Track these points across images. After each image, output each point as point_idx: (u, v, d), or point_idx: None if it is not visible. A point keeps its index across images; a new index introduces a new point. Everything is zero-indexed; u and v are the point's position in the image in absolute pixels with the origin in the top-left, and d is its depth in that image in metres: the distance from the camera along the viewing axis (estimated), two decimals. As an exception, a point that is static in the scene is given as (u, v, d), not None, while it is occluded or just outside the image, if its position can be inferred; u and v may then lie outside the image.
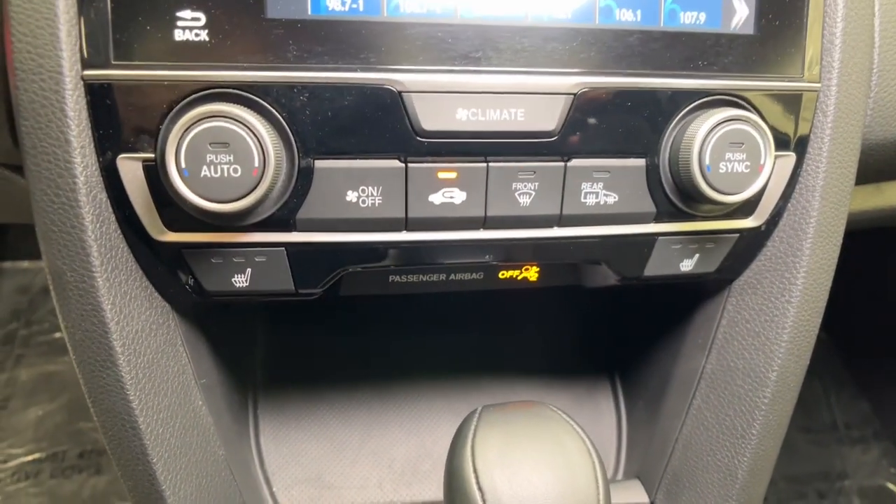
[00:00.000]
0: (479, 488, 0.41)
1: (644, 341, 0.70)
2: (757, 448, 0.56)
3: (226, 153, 0.40)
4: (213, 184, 0.41)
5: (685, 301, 0.62)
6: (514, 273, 0.57)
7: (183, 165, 0.40)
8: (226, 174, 0.41)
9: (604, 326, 0.79)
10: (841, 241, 0.56)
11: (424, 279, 0.57)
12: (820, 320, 0.58)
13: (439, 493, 0.54)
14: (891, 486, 1.64)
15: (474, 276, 0.56)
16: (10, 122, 0.44)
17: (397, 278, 0.55)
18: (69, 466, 1.61)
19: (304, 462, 0.70)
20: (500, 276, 0.57)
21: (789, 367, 0.56)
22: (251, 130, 0.40)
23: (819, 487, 1.63)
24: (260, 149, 0.41)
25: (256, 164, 0.41)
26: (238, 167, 0.41)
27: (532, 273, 0.57)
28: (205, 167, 0.40)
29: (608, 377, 0.77)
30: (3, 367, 1.89)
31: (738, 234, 0.53)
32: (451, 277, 0.56)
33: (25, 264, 1.94)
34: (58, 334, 1.95)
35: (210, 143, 0.40)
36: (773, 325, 0.56)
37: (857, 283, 1.56)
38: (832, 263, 0.56)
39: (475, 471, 0.41)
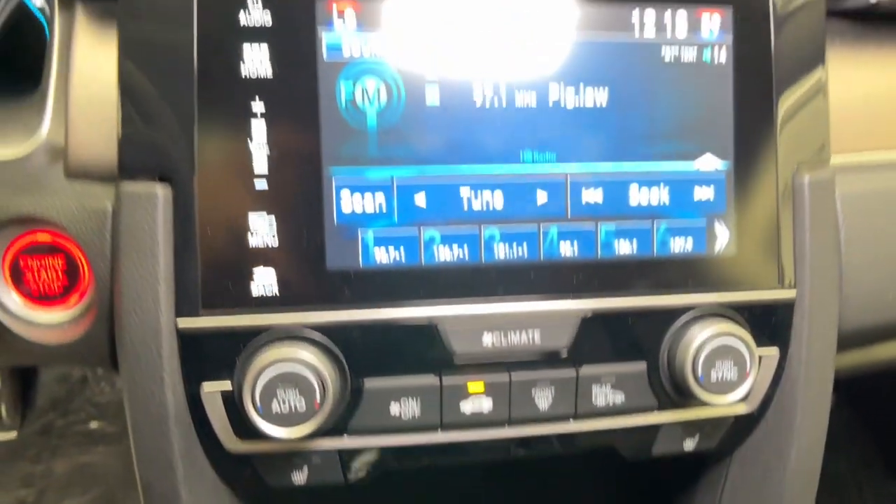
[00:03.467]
0: None
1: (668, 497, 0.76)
2: None
3: (293, 390, 0.49)
4: (282, 416, 0.49)
5: (690, 467, 0.69)
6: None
7: (258, 402, 0.49)
8: (292, 407, 0.49)
9: (612, 490, 0.85)
10: (829, 410, 0.63)
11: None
12: (816, 482, 0.64)
13: None
14: None
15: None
16: (113, 356, 0.53)
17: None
18: (100, 563, 1.64)
19: None
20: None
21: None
22: (315, 371, 0.49)
23: None
24: (321, 384, 0.49)
25: (318, 398, 0.49)
26: (303, 401, 0.49)
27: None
28: (275, 402, 0.49)
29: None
30: (39, 458, 1.94)
31: (733, 419, 0.60)
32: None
33: (67, 357, 2.03)
34: (93, 424, 2.01)
35: (280, 383, 0.49)
36: (773, 489, 0.63)
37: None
38: (822, 434, 0.63)
39: None
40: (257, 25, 0.50)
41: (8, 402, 2.04)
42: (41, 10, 0.86)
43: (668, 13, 0.54)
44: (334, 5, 0.50)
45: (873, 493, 1.73)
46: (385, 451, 0.56)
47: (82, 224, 0.52)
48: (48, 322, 0.55)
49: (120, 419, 2.06)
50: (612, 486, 0.85)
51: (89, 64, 0.54)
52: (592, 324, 0.55)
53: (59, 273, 0.55)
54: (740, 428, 0.62)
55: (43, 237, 0.54)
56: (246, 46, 0.50)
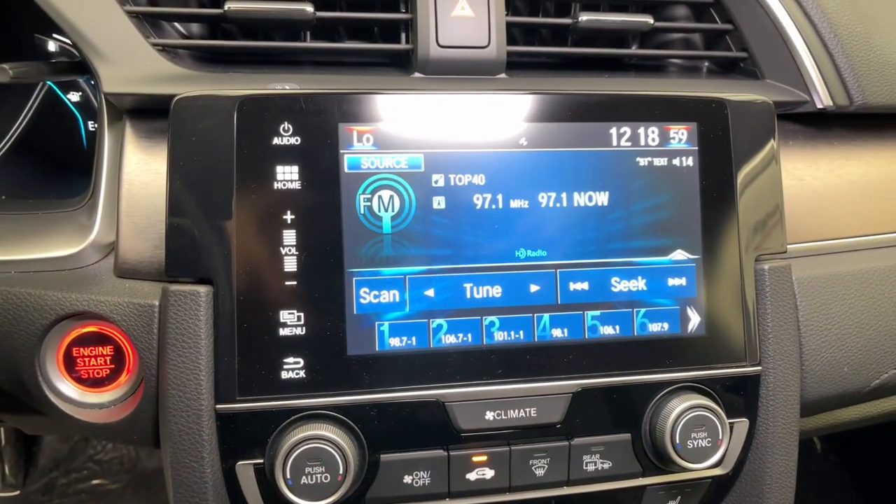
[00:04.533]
0: None
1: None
2: None
3: (319, 466, 0.55)
4: (309, 488, 0.55)
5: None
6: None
7: (288, 477, 0.55)
8: (318, 480, 0.55)
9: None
10: (795, 470, 0.69)
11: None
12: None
13: None
14: None
15: None
16: (155, 435, 0.60)
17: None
18: None
19: None
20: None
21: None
22: (338, 448, 0.55)
23: None
24: (344, 460, 0.56)
25: (341, 472, 0.55)
26: (328, 475, 0.55)
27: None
28: (304, 477, 0.55)
29: None
30: (40, 518, 1.93)
31: (710, 480, 0.67)
32: None
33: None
34: (95, 481, 2.02)
35: (307, 460, 0.55)
36: (750, 547, 0.69)
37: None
38: (791, 493, 0.69)
39: None
40: (288, 146, 0.58)
41: (10, 461, 2.05)
42: (76, 104, 0.95)
43: (641, 129, 0.63)
44: (354, 130, 0.59)
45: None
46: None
47: (131, 319, 0.59)
48: (97, 403, 0.61)
49: (122, 476, 2.07)
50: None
51: (139, 176, 0.62)
52: (582, 400, 0.62)
53: (107, 360, 0.62)
54: (718, 489, 0.68)
55: (94, 329, 0.61)
56: (278, 165, 0.58)
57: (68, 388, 0.61)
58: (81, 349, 0.61)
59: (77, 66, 0.75)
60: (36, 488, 2.06)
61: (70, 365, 0.61)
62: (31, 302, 0.60)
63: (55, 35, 0.86)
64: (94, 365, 0.61)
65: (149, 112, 0.63)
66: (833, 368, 0.70)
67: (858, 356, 0.70)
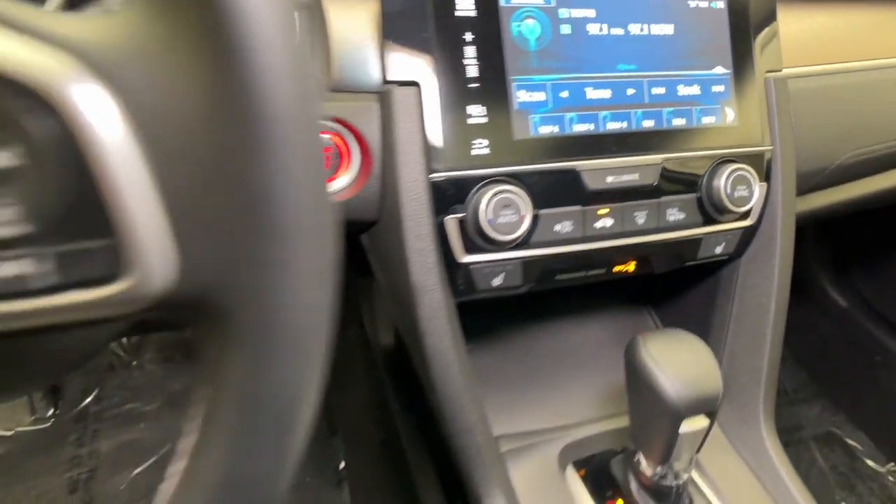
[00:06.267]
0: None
1: (684, 300, 1.13)
2: (771, 352, 0.98)
3: (509, 209, 0.79)
4: (504, 226, 0.79)
5: (715, 271, 1.06)
6: (622, 268, 0.97)
7: (490, 217, 0.78)
8: (508, 220, 0.79)
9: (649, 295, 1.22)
10: (794, 228, 1.01)
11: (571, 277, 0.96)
12: (791, 273, 1.02)
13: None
14: (835, 430, 2.10)
15: (600, 272, 0.96)
16: (379, 207, 0.81)
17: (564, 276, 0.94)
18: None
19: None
20: (614, 271, 0.96)
21: (780, 303, 0.99)
22: (519, 197, 0.79)
23: (783, 439, 2.08)
24: (524, 206, 0.80)
25: (522, 214, 0.79)
26: (515, 216, 0.79)
27: (631, 266, 0.97)
28: (500, 217, 0.79)
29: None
30: (82, 441, 2.00)
31: (743, 229, 0.97)
32: (587, 274, 0.96)
33: (96, 346, 2.10)
34: (129, 405, 2.10)
35: (501, 207, 0.79)
36: (768, 279, 1.00)
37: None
38: (792, 242, 1.01)
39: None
40: (461, -12, 0.80)
41: (38, 393, 2.09)
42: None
43: (691, -22, 0.91)
44: (509, -26, 0.82)
45: (788, 378, 2.20)
46: (547, 260, 0.86)
47: (357, 114, 0.79)
48: (337, 188, 0.81)
49: (155, 399, 2.16)
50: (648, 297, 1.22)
51: (343, 21, 0.81)
52: (666, 170, 0.89)
53: (329, 155, 0.81)
54: (747, 236, 0.98)
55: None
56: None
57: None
58: (311, 149, 0.80)
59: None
60: (69, 417, 2.10)
61: (302, 162, 0.80)
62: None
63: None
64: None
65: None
66: (812, 150, 1.01)
67: (829, 142, 1.03)
